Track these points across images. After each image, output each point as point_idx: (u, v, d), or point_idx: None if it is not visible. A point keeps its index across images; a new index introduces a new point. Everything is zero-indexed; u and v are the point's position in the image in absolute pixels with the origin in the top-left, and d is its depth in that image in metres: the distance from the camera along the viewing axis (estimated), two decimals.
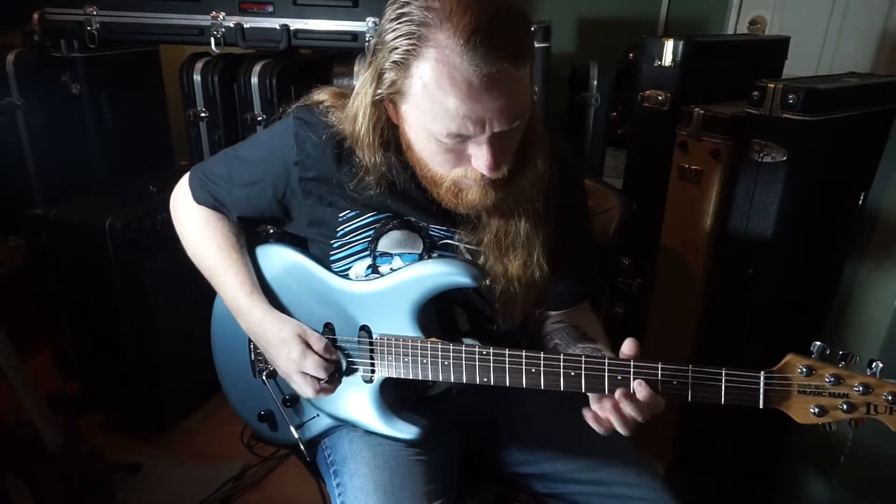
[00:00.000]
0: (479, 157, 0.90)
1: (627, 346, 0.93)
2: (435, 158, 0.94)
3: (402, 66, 0.86)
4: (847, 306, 1.52)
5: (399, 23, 0.85)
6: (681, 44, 1.75)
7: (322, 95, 1.06)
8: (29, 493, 1.53)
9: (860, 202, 1.51)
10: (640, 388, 0.90)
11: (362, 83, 0.94)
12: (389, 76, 0.88)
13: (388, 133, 0.98)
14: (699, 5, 2.65)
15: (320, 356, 1.05)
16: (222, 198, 1.13)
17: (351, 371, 1.09)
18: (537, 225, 1.04)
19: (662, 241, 1.74)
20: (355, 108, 0.97)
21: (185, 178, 1.19)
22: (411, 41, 0.84)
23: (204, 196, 1.15)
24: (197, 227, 1.16)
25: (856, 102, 1.48)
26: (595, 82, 2.31)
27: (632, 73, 2.22)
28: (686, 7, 2.64)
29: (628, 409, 0.91)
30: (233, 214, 1.15)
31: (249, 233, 1.20)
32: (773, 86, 1.40)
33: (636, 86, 1.87)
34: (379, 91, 0.91)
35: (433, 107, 0.86)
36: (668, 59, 1.76)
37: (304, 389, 1.06)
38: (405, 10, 0.85)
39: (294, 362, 1.05)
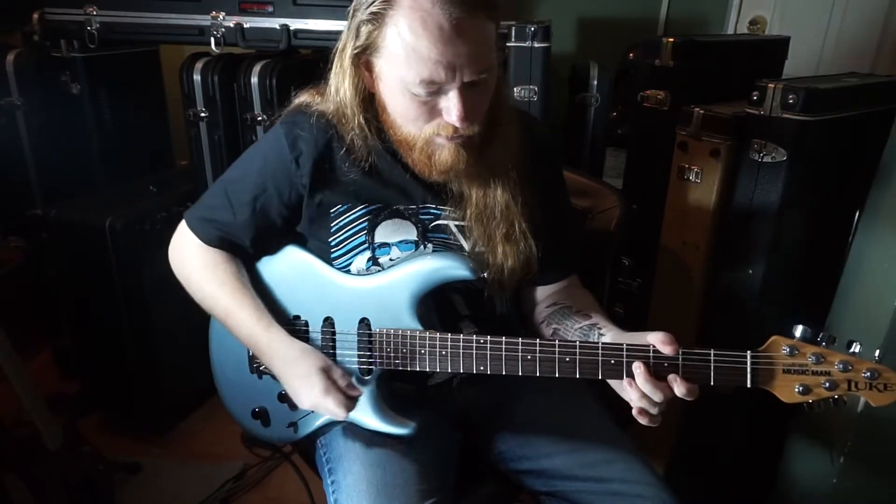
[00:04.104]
0: (450, 109, 0.94)
1: (666, 347, 0.94)
2: (408, 115, 0.97)
3: (378, 17, 0.92)
4: (847, 306, 1.52)
5: None
6: (681, 44, 1.75)
7: (302, 97, 1.10)
8: (29, 493, 1.53)
9: (859, 202, 1.51)
10: (675, 383, 0.93)
11: (342, 42, 1.00)
12: (365, 29, 0.94)
13: (367, 99, 1.02)
14: (699, 5, 2.65)
15: (343, 392, 1.04)
16: (229, 226, 1.12)
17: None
18: (515, 195, 1.07)
19: (662, 241, 1.74)
20: (336, 76, 1.02)
21: (183, 226, 1.17)
22: (383, 3, 0.90)
23: (210, 233, 1.13)
24: (204, 268, 1.13)
25: (856, 102, 1.48)
26: (595, 82, 2.31)
27: (632, 73, 2.22)
28: (686, 7, 2.64)
29: (646, 387, 0.93)
30: (245, 239, 1.13)
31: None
32: (773, 86, 1.40)
33: (636, 86, 1.87)
34: (357, 44, 0.96)
35: (406, 53, 0.91)
36: (668, 59, 1.76)
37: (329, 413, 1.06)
38: None
39: (317, 397, 1.03)
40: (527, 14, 2.67)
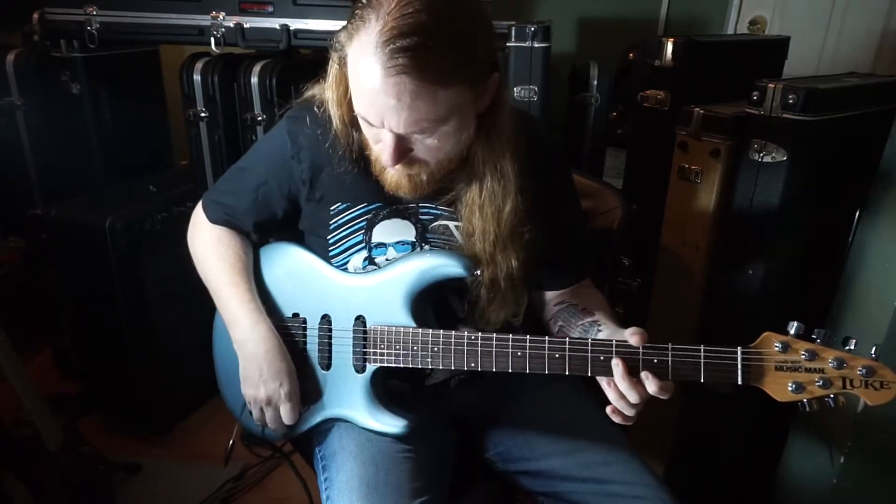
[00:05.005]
0: (383, 147, 0.95)
1: (633, 337, 0.94)
2: (364, 130, 0.99)
3: (345, 41, 0.92)
4: (847, 306, 1.52)
5: (359, 4, 0.91)
6: (681, 44, 1.75)
7: (312, 90, 1.11)
8: (29, 493, 1.53)
9: (860, 202, 1.51)
10: (647, 380, 0.93)
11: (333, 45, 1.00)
12: (338, 45, 0.95)
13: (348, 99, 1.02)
14: (699, 5, 2.65)
15: (286, 401, 1.10)
16: (234, 209, 1.17)
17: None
18: (506, 222, 1.06)
19: (662, 241, 1.74)
20: (327, 77, 1.03)
21: (199, 206, 1.23)
22: (354, 24, 0.90)
23: (217, 214, 1.19)
24: (209, 243, 1.19)
25: (856, 102, 1.48)
26: (595, 82, 2.31)
27: (632, 73, 2.22)
28: (686, 7, 2.64)
29: (623, 384, 0.93)
30: (247, 224, 1.18)
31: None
32: (773, 86, 1.40)
33: (636, 86, 1.87)
34: (334, 53, 0.98)
35: (352, 84, 0.93)
36: (668, 59, 1.76)
37: (265, 419, 1.13)
38: None
39: (280, 397, 1.10)
40: (527, 14, 2.67)
